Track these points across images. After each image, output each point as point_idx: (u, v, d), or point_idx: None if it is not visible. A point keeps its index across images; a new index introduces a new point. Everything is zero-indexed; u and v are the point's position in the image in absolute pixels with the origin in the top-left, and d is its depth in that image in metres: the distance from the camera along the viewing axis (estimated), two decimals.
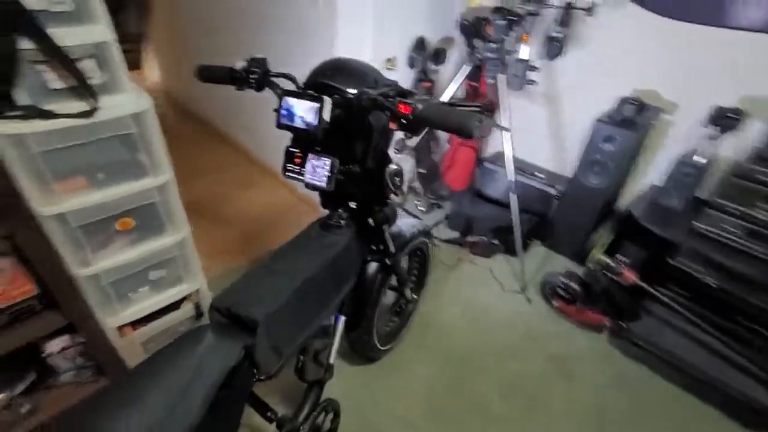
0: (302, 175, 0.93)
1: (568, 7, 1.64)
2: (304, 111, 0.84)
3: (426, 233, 1.62)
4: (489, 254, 2.26)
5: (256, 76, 0.95)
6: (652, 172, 2.03)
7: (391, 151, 1.06)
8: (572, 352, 1.74)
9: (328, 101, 0.81)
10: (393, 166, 0.89)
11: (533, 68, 1.77)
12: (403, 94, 0.82)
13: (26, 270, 1.10)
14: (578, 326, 1.85)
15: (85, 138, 0.98)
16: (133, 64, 4.47)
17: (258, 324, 0.77)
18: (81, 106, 0.96)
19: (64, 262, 1.10)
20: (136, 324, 1.32)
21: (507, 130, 1.89)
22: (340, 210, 1.09)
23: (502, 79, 1.83)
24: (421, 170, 2.48)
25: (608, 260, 1.61)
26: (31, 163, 0.94)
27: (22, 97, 0.90)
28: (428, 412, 1.47)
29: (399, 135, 2.27)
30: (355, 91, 0.86)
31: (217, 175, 2.79)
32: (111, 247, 1.17)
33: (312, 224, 1.08)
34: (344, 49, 1.90)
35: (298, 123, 0.85)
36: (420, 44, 2.17)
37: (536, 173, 2.33)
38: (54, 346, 1.27)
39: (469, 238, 2.30)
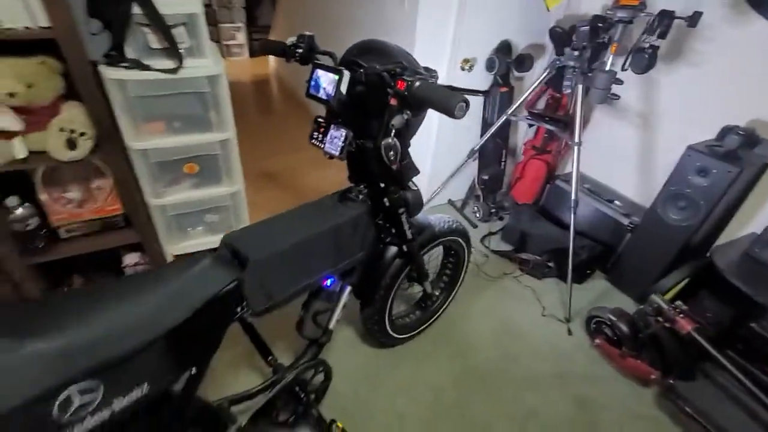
0: (323, 143, 1.02)
1: (667, 16, 1.46)
2: (327, 83, 0.92)
3: (462, 234, 1.60)
4: (539, 275, 2.11)
5: (302, 50, 1.06)
6: (756, 219, 1.70)
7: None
8: (604, 401, 1.55)
9: (346, 75, 0.88)
10: (388, 140, 0.91)
11: (618, 81, 1.62)
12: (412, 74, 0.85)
13: (117, 193, 1.38)
14: (620, 373, 1.64)
15: (169, 90, 1.20)
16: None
17: (248, 261, 0.87)
18: (170, 64, 1.18)
19: (142, 191, 1.35)
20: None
21: (576, 144, 1.76)
22: (361, 186, 1.15)
23: (579, 90, 1.71)
24: (485, 176, 2.42)
25: (662, 302, 1.40)
26: (128, 104, 1.18)
27: (129, 51, 1.14)
28: (424, 416, 1.45)
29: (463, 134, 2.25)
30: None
31: (300, 153, 3.07)
32: (178, 186, 1.40)
33: (333, 193, 1.16)
34: (423, 47, 1.96)
35: (321, 94, 0.93)
36: (504, 48, 2.12)
37: (613, 200, 2.11)
38: (129, 259, 1.56)
39: (522, 255, 2.18)
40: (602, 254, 2.08)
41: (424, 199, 1.48)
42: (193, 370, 0.87)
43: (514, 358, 1.68)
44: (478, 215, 2.48)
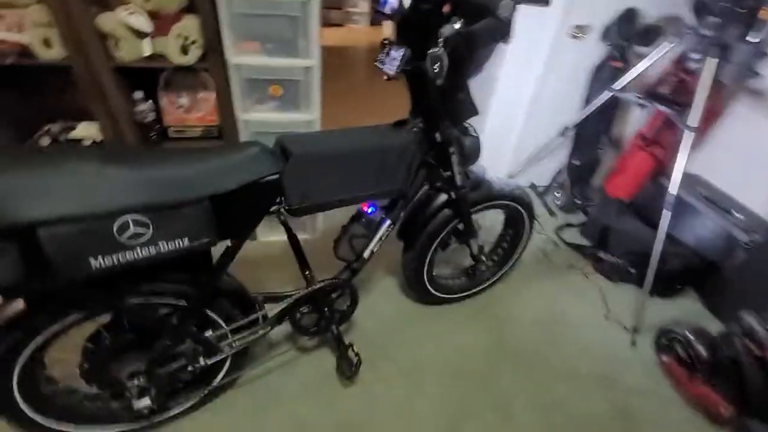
0: (384, 64, 1.03)
1: None
2: None
3: (524, 205, 1.49)
4: (614, 278, 1.88)
5: None
6: None
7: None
8: (651, 417, 1.34)
9: None
10: (435, 50, 0.87)
11: (764, 55, 1.32)
12: None
13: (217, 104, 1.58)
14: (683, 398, 1.40)
15: (268, 10, 1.32)
16: None
17: (291, 155, 0.94)
18: None
19: (234, 105, 1.53)
20: None
21: (690, 128, 1.49)
22: (418, 118, 1.14)
23: (711, 64, 1.43)
24: (576, 161, 2.19)
25: (756, 323, 1.15)
26: (232, 21, 1.33)
27: None
28: (444, 372, 1.42)
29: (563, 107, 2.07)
30: None
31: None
32: (262, 106, 1.55)
33: (391, 122, 1.18)
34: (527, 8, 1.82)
35: (386, 9, 0.95)
36: (628, 17, 1.87)
37: (731, 210, 1.76)
38: None
39: (599, 253, 1.96)
40: (699, 269, 1.76)
41: (504, 176, 1.40)
42: (229, 243, 0.98)
43: (556, 348, 1.54)
44: (558, 203, 2.28)
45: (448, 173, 1.23)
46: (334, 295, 1.29)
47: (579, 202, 2.26)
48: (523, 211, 1.52)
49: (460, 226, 1.41)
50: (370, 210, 1.24)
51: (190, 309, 1.00)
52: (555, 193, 2.30)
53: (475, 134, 1.21)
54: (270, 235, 1.87)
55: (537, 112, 2.09)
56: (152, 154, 0.88)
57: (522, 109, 2.08)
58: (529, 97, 2.05)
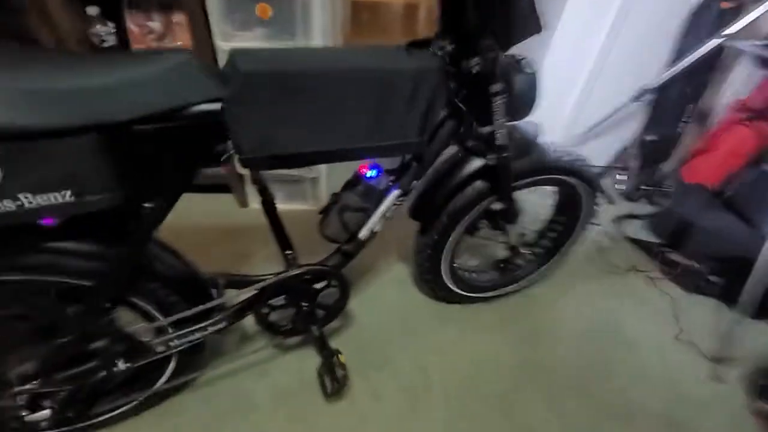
0: None
1: None
2: None
3: (587, 180, 1.09)
4: (690, 287, 1.46)
5: None
6: None
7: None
8: None
9: None
10: None
11: None
12: None
13: (190, 27, 1.24)
14: None
15: None
16: None
17: (240, 75, 0.60)
18: None
19: (212, 32, 1.19)
20: None
21: None
22: (447, 39, 0.76)
23: None
24: (650, 137, 1.73)
25: None
26: None
27: None
28: (456, 400, 1.08)
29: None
30: None
31: None
32: (249, 33, 1.20)
33: (404, 42, 0.80)
34: None
35: None
36: None
37: None
38: None
39: (672, 254, 1.53)
40: None
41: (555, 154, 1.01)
42: (147, 206, 0.66)
43: (608, 373, 1.17)
44: (621, 188, 1.84)
45: (487, 127, 0.85)
46: (317, 286, 0.96)
47: (647, 188, 1.81)
48: (583, 191, 1.12)
49: (496, 205, 1.03)
50: (371, 174, 0.89)
51: (97, 293, 0.70)
52: (616, 176, 1.86)
53: (532, 70, 0.82)
54: (292, 202, 1.57)
55: (605, 71, 1.63)
56: (14, 54, 0.56)
57: (585, 66, 1.62)
58: (596, 52, 1.58)
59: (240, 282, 0.90)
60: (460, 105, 0.81)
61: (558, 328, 1.28)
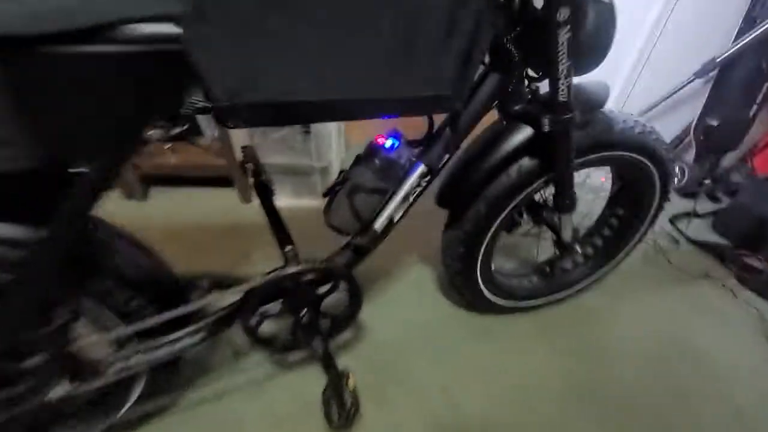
0: None
1: None
2: None
3: (657, 162, 0.87)
4: None
5: None
6: None
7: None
8: None
9: None
10: None
11: None
12: None
13: None
14: None
15: None
16: None
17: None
18: None
19: None
20: None
21: None
22: None
23: None
24: (713, 121, 1.49)
25: None
26: None
27: None
28: (492, 420, 0.87)
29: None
30: None
31: None
32: None
33: None
34: None
35: None
36: None
37: None
38: None
39: (748, 257, 1.28)
40: None
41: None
42: (78, 172, 0.48)
43: (683, 403, 0.93)
44: (678, 180, 1.59)
45: (542, 81, 0.64)
46: (321, 290, 0.76)
47: (709, 181, 1.56)
48: (656, 175, 0.89)
49: (544, 191, 0.82)
50: (390, 143, 0.69)
51: (17, 291, 0.51)
52: (677, 168, 1.61)
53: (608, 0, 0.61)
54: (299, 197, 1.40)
55: (664, 41, 1.40)
56: None
57: (639, 34, 1.39)
58: (654, 18, 1.35)
59: (224, 283, 0.71)
60: (510, 47, 0.60)
61: (617, 347, 1.04)
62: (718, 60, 1.29)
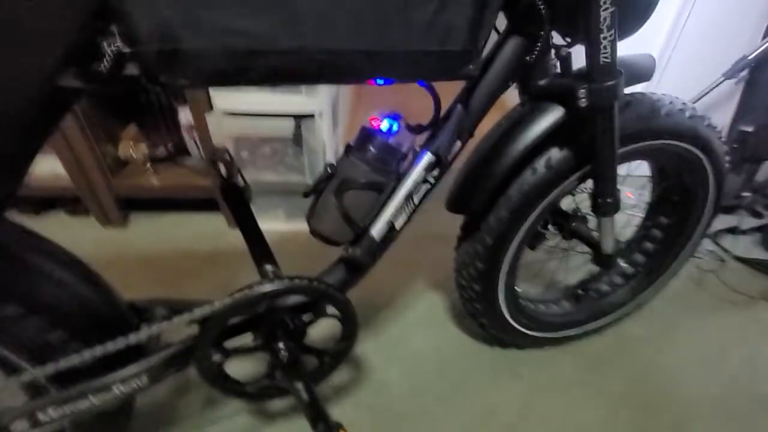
0: None
1: None
2: None
3: (717, 157, 0.73)
4: None
5: None
6: None
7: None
8: None
9: None
10: None
11: None
12: None
13: None
14: None
15: None
16: None
17: None
18: None
19: None
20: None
21: None
22: None
23: None
24: (748, 128, 1.35)
25: None
26: None
27: None
28: None
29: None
30: None
31: None
32: None
33: None
34: None
35: None
36: None
37: None
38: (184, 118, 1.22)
39: None
40: None
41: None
42: None
43: None
44: None
45: (576, 45, 0.51)
46: (304, 318, 0.60)
47: (749, 194, 1.39)
48: (709, 169, 0.74)
49: (576, 189, 0.67)
50: (387, 125, 0.56)
51: None
52: None
53: None
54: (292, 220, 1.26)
55: (686, 40, 1.28)
56: None
57: (657, 34, 1.28)
58: (673, 15, 1.24)
59: (176, 309, 0.55)
60: (537, 1, 0.48)
61: (673, 386, 0.85)
62: (750, 58, 1.18)
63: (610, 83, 0.51)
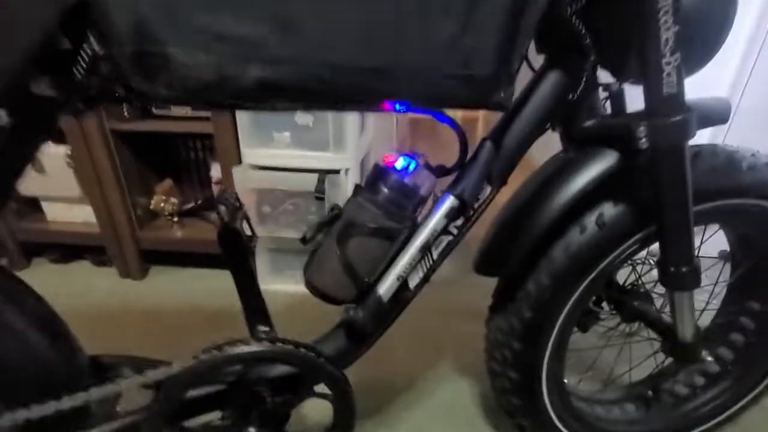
0: None
1: None
2: None
3: None
4: None
5: None
6: None
7: None
8: None
9: None
10: None
11: None
12: None
13: None
14: None
15: None
16: None
17: None
18: None
19: None
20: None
21: None
22: None
23: None
24: None
25: None
26: None
27: None
28: None
29: None
30: None
31: None
32: None
33: None
34: None
35: None
36: None
37: None
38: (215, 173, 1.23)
39: None
40: None
41: None
42: None
43: None
44: None
45: (629, 80, 0.43)
46: (284, 398, 0.48)
47: None
48: None
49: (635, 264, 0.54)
50: (402, 162, 0.48)
51: None
52: None
53: None
54: None
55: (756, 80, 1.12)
56: None
57: (725, 77, 1.13)
58: (749, 31, 1.09)
59: (141, 369, 0.45)
60: (577, 24, 0.41)
61: None
62: None
63: (677, 118, 0.42)
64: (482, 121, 3.28)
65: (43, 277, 1.23)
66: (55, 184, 1.15)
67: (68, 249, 1.31)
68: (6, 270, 0.47)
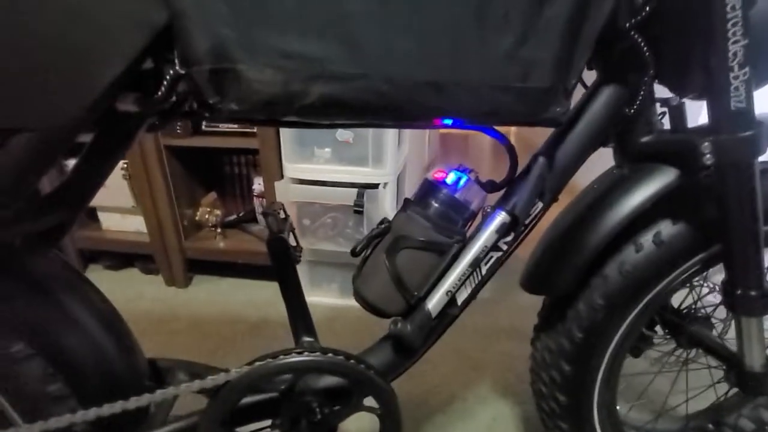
0: None
1: None
2: None
3: None
4: None
5: None
6: None
7: None
8: None
9: None
10: None
11: None
12: None
13: None
14: None
15: None
16: None
17: None
18: None
19: None
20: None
21: None
22: None
23: None
24: None
25: None
26: None
27: None
28: None
29: None
30: None
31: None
32: None
33: None
34: None
35: None
36: None
37: None
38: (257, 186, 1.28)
39: None
40: None
41: None
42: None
43: None
44: None
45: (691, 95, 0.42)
46: (334, 410, 0.48)
47: None
48: None
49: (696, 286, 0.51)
50: (453, 177, 0.48)
51: None
52: None
53: None
54: (347, 296, 1.19)
55: None
56: None
57: None
58: None
59: (196, 374, 0.47)
60: (637, 38, 0.41)
61: None
62: None
63: (746, 134, 0.40)
64: (514, 137, 3.23)
65: (98, 283, 1.30)
66: (112, 195, 1.23)
67: (121, 256, 1.39)
68: (75, 270, 0.51)
